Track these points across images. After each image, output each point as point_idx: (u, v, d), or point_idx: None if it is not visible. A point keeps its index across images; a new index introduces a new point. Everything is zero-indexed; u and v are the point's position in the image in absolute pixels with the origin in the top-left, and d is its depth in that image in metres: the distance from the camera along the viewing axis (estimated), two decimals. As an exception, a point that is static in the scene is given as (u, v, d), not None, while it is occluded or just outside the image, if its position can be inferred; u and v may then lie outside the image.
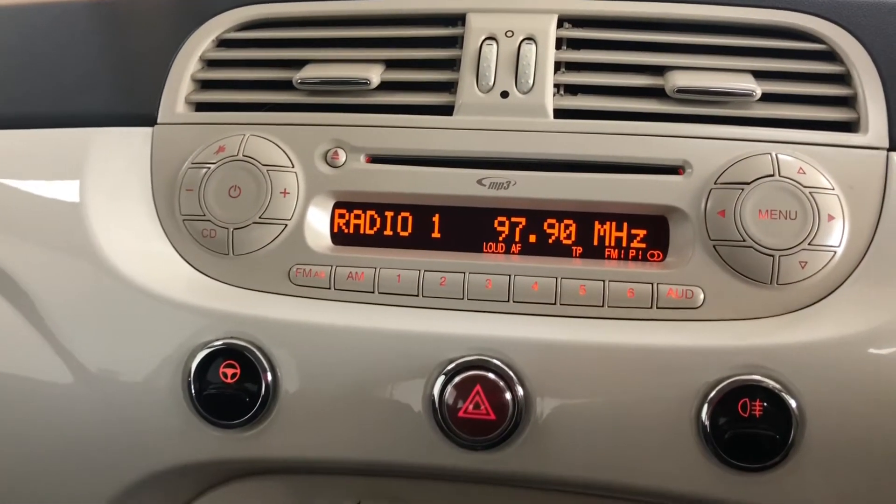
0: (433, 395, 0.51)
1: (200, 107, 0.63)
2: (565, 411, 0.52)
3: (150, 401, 0.54)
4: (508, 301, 0.55)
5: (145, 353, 0.55)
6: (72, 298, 0.57)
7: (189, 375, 0.53)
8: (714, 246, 0.54)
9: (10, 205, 0.60)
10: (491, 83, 0.59)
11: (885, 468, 0.50)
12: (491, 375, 0.51)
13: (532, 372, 0.52)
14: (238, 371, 0.53)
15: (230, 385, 0.53)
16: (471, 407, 0.51)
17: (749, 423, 0.49)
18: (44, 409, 0.57)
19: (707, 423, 0.50)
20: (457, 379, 0.51)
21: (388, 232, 0.58)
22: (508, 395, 0.51)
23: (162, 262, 0.58)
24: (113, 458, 0.56)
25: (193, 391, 0.53)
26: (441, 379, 0.51)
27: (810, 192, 0.53)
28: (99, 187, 0.59)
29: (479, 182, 0.57)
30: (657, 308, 0.54)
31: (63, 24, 0.69)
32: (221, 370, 0.53)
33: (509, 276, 0.55)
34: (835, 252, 0.53)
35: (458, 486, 0.56)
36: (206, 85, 0.64)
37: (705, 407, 0.50)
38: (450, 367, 0.51)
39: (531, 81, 0.59)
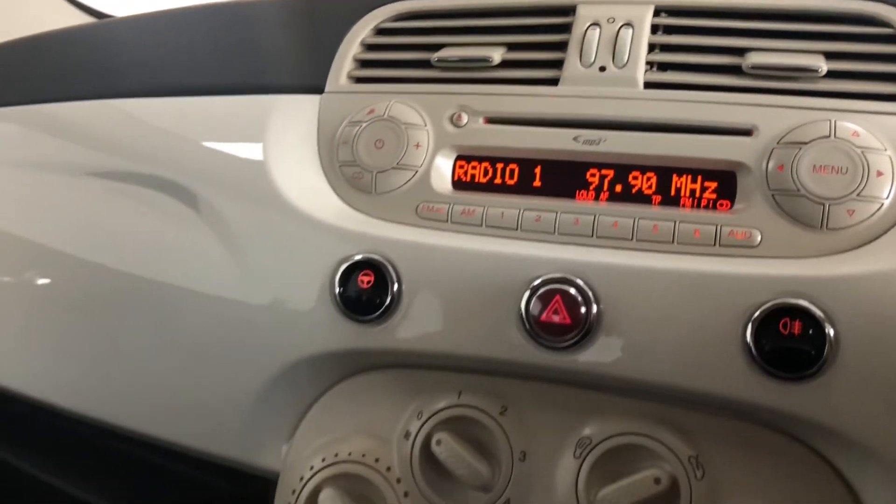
0: (521, 303, 0.63)
1: (359, 80, 0.79)
2: (632, 323, 0.61)
3: (306, 299, 0.69)
4: (592, 237, 0.65)
5: (305, 263, 0.70)
6: (254, 223, 0.73)
7: (335, 281, 0.68)
8: (773, 195, 0.62)
9: (209, 155, 0.78)
10: (592, 59, 0.71)
11: None
12: (571, 290, 0.62)
13: (605, 289, 0.62)
14: (373, 279, 0.67)
15: (366, 290, 0.67)
16: (552, 314, 0.62)
17: (788, 340, 0.57)
18: (222, 308, 0.73)
19: (750, 337, 0.58)
20: (541, 290, 0.63)
21: (497, 180, 0.70)
22: (583, 309, 0.62)
23: (322, 197, 0.73)
24: (275, 342, 0.71)
25: (338, 293, 0.68)
26: (528, 291, 0.63)
27: (862, 152, 0.61)
28: (278, 140, 0.76)
29: (575, 139, 0.68)
30: (720, 246, 0.63)
31: (255, 17, 0.88)
32: (360, 278, 0.67)
33: (594, 215, 0.66)
34: (882, 203, 0.60)
35: (541, 385, 0.67)
36: (364, 63, 0.80)
37: (750, 324, 0.58)
38: (536, 282, 0.63)
39: (626, 58, 0.70)
